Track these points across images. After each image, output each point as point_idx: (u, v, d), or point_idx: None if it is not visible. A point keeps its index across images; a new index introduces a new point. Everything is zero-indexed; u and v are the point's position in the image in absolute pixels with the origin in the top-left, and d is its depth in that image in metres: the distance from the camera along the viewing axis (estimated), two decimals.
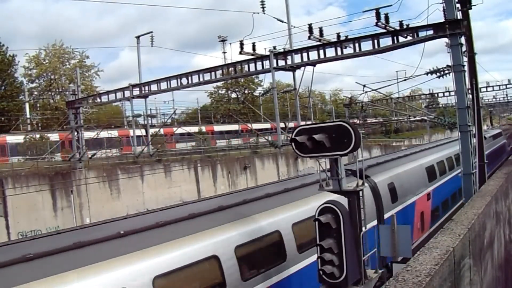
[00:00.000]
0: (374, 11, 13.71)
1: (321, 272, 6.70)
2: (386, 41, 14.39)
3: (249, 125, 39.25)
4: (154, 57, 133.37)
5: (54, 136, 31.86)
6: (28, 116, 43.72)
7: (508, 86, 39.05)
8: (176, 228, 7.39)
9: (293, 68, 16.83)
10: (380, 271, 7.76)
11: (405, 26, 13.88)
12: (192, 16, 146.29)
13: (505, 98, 46.83)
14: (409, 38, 13.80)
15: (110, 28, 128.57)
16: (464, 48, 12.47)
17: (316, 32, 15.52)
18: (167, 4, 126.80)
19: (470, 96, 13.28)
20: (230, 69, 18.92)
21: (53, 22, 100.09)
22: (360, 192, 7.21)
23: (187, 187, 28.95)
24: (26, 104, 43.48)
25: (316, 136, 6.75)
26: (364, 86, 19.59)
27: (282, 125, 19.96)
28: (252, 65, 18.01)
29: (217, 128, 51.24)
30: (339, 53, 15.35)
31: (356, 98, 35.32)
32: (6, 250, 6.28)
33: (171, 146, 40.77)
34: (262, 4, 17.71)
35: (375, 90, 20.07)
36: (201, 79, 19.44)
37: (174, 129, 42.72)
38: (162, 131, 36.21)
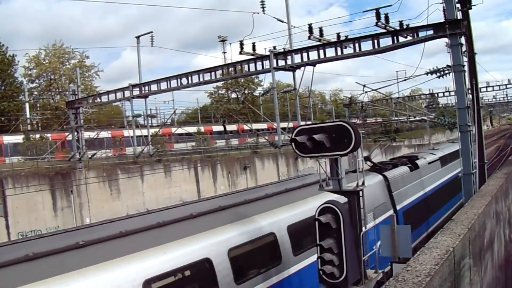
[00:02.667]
0: (374, 11, 13.72)
1: (321, 272, 6.70)
2: (386, 41, 14.40)
3: (249, 125, 39.32)
4: (155, 57, 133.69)
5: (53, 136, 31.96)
6: (28, 116, 43.72)
7: (508, 86, 39.06)
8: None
9: (293, 68, 16.83)
10: (381, 271, 7.77)
11: (405, 26, 13.89)
12: (194, 16, 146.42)
13: (505, 98, 46.86)
14: (409, 38, 13.80)
15: (113, 28, 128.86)
16: (464, 48, 12.48)
17: (316, 32, 15.52)
18: (169, 4, 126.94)
19: (470, 96, 13.29)
20: (230, 69, 18.91)
21: (56, 22, 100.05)
22: (360, 192, 7.22)
23: (187, 187, 28.95)
24: (26, 104, 43.47)
25: (316, 136, 6.76)
26: (364, 86, 19.61)
27: (283, 125, 19.94)
28: (252, 65, 18.00)
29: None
30: (339, 53, 15.34)
31: (356, 98, 35.35)
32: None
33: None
34: (262, 4, 17.73)
35: (375, 90, 20.09)
36: (201, 79, 19.43)
37: (213, 127, 46.82)
38: (202, 128, 39.51)
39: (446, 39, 12.54)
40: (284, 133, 18.96)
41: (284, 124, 20.39)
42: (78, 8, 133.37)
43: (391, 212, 12.53)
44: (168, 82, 20.76)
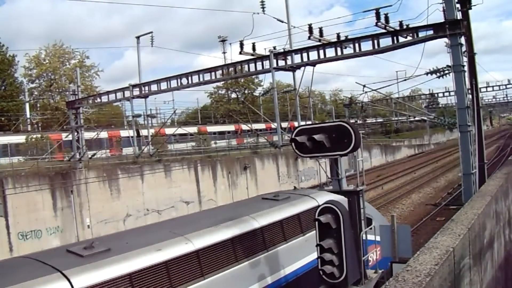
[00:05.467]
0: (374, 11, 13.74)
1: (321, 272, 6.71)
2: (386, 41, 14.42)
3: (249, 125, 39.37)
4: (158, 58, 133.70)
5: (53, 136, 31.96)
6: (28, 116, 43.72)
7: (508, 86, 39.20)
8: None
9: (293, 68, 16.83)
10: (380, 271, 7.78)
11: (405, 26, 13.90)
12: (198, 17, 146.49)
13: (505, 98, 46.96)
14: (409, 38, 13.81)
15: (117, 28, 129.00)
16: (464, 48, 12.50)
17: (316, 32, 15.54)
18: (172, 5, 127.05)
19: (470, 96, 13.31)
20: (230, 69, 18.91)
21: (60, 22, 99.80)
22: (360, 192, 7.23)
23: (187, 187, 28.94)
24: (26, 104, 43.47)
25: (316, 136, 6.76)
26: (364, 86, 19.64)
27: (283, 125, 19.95)
28: (252, 65, 18.01)
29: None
30: (339, 53, 15.35)
31: (356, 98, 35.39)
32: None
33: (240, 142, 47.11)
34: (262, 4, 17.73)
35: (375, 90, 20.13)
36: (201, 79, 19.44)
37: (242, 127, 49.30)
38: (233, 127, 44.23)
39: (446, 39, 12.58)
40: (284, 133, 18.96)
41: (284, 124, 20.41)
42: (83, 8, 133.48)
43: None
44: (168, 82, 20.76)
